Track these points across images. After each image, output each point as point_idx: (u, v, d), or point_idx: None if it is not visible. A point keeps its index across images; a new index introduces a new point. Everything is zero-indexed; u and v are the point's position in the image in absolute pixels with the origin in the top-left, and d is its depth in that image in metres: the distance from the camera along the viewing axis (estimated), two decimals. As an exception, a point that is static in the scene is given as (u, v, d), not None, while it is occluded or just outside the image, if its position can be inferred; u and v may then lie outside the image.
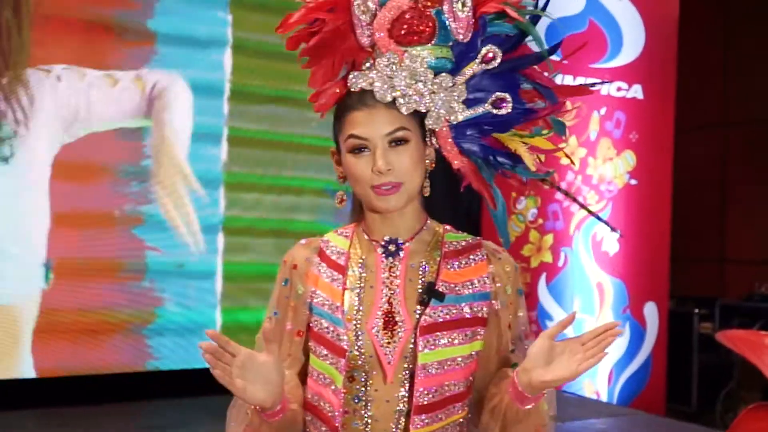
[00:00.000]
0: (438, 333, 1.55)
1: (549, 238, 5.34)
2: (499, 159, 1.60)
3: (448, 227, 1.67)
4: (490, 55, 1.57)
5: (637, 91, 5.68)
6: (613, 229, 1.86)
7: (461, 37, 1.59)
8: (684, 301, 6.61)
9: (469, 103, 1.58)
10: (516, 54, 1.60)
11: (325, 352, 1.57)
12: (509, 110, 1.57)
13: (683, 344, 6.29)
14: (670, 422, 5.05)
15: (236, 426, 1.57)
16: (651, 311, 5.75)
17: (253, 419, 1.54)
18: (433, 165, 1.60)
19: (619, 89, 5.61)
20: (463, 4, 1.58)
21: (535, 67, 1.61)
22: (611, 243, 5.59)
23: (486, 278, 1.60)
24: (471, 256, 1.62)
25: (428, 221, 1.64)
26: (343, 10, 1.59)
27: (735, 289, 6.85)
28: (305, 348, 1.63)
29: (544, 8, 1.62)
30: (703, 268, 7.17)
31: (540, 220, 5.29)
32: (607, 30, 5.48)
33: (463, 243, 1.64)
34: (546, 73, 1.62)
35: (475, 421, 1.64)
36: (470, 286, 1.59)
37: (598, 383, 5.52)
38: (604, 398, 5.52)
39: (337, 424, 1.55)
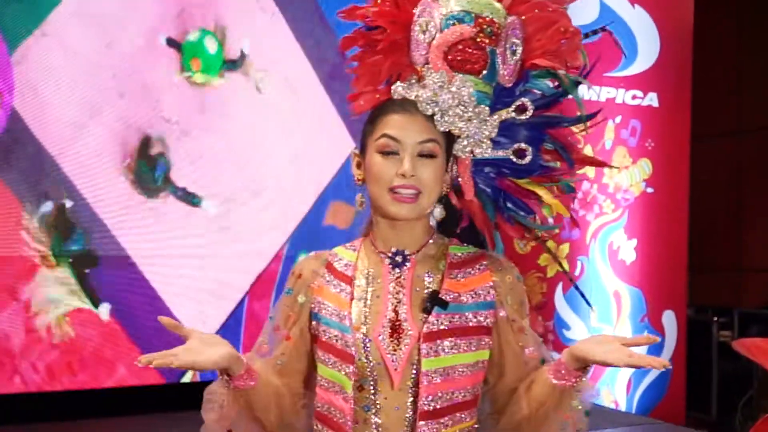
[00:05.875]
0: (442, 340, 1.58)
1: (565, 248, 5.33)
2: (508, 204, 1.67)
3: (453, 240, 1.71)
4: (524, 106, 1.63)
5: (652, 99, 5.66)
6: (589, 304, 1.90)
7: (505, 81, 1.65)
8: (702, 310, 6.57)
9: (494, 144, 1.64)
10: (549, 111, 1.67)
11: (333, 360, 1.61)
12: (527, 162, 1.63)
13: (702, 353, 6.25)
14: (689, 431, 5.01)
15: (212, 416, 1.62)
16: (669, 320, 5.72)
17: (224, 400, 1.60)
18: (448, 190, 1.67)
19: (634, 97, 5.60)
20: (514, 52, 1.65)
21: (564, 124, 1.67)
22: (628, 252, 5.57)
23: (489, 287, 1.64)
24: (475, 266, 1.66)
25: (435, 235, 1.69)
26: (404, 25, 1.66)
27: (753, 297, 6.81)
28: (312, 359, 1.68)
29: (586, 76, 1.70)
30: (721, 276, 7.13)
31: (556, 230, 5.28)
32: (622, 38, 5.48)
33: (467, 254, 1.68)
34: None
35: (497, 420, 1.68)
36: (474, 296, 1.63)
37: (616, 392, 5.50)
38: (622, 407, 5.49)
39: (348, 430, 1.58)
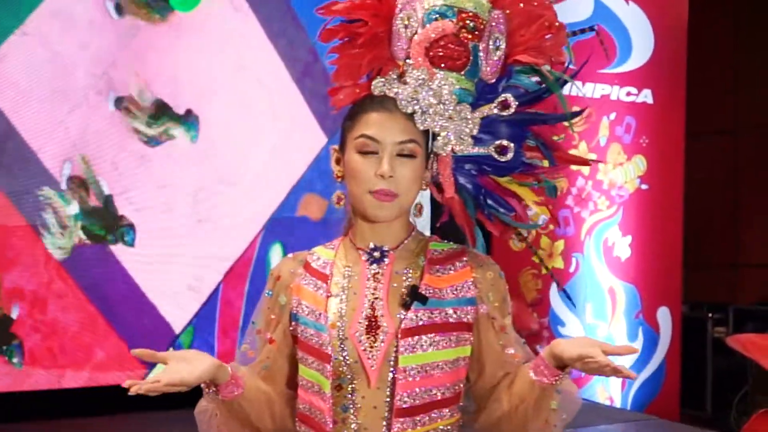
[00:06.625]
0: (420, 336, 1.56)
1: (560, 244, 5.33)
2: (489, 201, 1.64)
3: (434, 237, 1.69)
4: (507, 102, 1.61)
5: (647, 96, 5.67)
6: (574, 305, 1.87)
7: (488, 77, 1.63)
8: (697, 306, 6.58)
9: (476, 141, 1.61)
10: (532, 108, 1.64)
11: (311, 360, 1.60)
12: (509, 159, 1.60)
13: (697, 349, 6.26)
14: (684, 428, 5.03)
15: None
16: (664, 316, 5.72)
17: (214, 411, 1.63)
18: (427, 187, 1.65)
19: (628, 94, 5.60)
20: (497, 48, 1.63)
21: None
22: (623, 248, 5.57)
23: (470, 284, 1.62)
24: (455, 262, 1.64)
25: (414, 231, 1.67)
26: (386, 19, 1.63)
27: (748, 293, 6.82)
28: (295, 360, 1.67)
29: (575, 75, 1.67)
30: (716, 272, 7.15)
31: (550, 226, 5.28)
32: (616, 35, 5.48)
33: (448, 250, 1.66)
34: (557, 137, 1.67)
35: (476, 418, 1.67)
36: (454, 291, 1.61)
37: (611, 389, 5.50)
38: (617, 404, 5.50)
39: (328, 430, 1.56)
